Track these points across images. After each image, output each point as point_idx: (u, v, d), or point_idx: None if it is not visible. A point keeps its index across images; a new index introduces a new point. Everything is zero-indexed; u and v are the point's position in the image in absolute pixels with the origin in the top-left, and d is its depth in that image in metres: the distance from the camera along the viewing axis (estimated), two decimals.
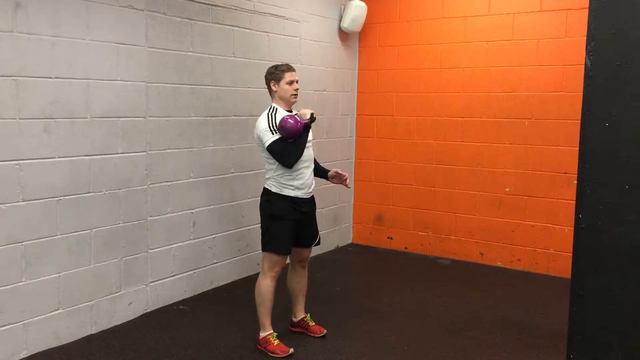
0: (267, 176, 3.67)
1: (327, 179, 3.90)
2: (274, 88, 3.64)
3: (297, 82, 3.66)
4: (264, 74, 3.72)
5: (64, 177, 3.63)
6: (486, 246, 5.66)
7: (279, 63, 3.77)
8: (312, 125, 3.76)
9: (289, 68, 3.64)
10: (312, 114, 3.59)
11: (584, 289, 2.07)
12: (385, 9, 6.02)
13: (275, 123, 3.51)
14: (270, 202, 3.61)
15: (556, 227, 5.28)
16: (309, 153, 3.67)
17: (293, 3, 5.34)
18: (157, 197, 4.24)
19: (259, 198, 3.75)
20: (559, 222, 5.26)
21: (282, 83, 3.60)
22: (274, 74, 3.63)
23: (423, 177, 5.95)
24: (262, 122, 3.55)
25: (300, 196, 3.62)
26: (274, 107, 3.62)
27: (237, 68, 4.80)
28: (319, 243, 3.90)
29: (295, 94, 3.65)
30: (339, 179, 3.87)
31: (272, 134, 3.49)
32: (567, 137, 5.10)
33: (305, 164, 3.63)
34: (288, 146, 3.51)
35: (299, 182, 3.60)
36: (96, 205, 3.83)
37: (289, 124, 3.47)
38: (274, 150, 3.50)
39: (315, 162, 3.81)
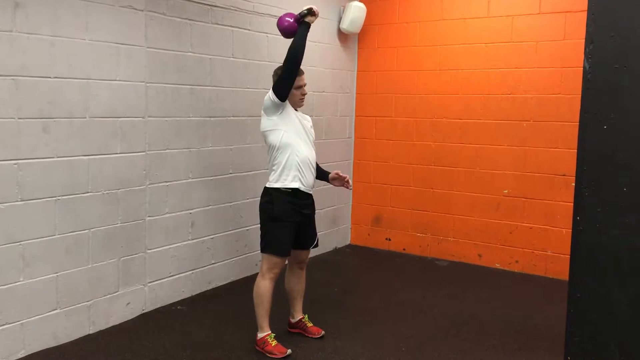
0: (272, 167, 3.64)
1: (328, 181, 3.90)
2: None
3: (305, 86, 3.67)
4: (269, 73, 3.77)
5: (62, 177, 3.63)
6: (484, 248, 5.67)
7: None
8: (312, 124, 3.77)
9: (299, 72, 3.62)
10: (309, 9, 3.52)
11: (581, 290, 2.08)
12: (385, 10, 6.03)
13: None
14: (272, 203, 3.60)
15: (554, 229, 5.29)
16: (311, 152, 3.68)
17: (292, 4, 5.32)
18: (155, 197, 4.24)
19: (259, 199, 3.75)
20: (557, 224, 5.26)
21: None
22: None
23: (422, 179, 5.96)
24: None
25: (301, 189, 3.60)
26: None
27: (236, 69, 4.81)
28: (317, 245, 3.90)
29: (302, 98, 3.67)
30: (340, 181, 3.86)
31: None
32: (566, 139, 5.10)
33: (307, 163, 3.62)
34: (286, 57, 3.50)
35: (300, 175, 3.58)
36: (94, 205, 3.83)
37: (286, 22, 3.53)
38: (276, 77, 3.55)
39: (316, 165, 3.81)
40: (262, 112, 3.63)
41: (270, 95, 3.54)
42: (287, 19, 3.59)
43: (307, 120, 3.75)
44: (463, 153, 5.70)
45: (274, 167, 3.63)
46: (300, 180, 3.59)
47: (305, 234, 3.76)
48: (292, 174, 3.58)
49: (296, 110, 3.69)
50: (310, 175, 3.66)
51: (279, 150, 3.59)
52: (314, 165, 3.72)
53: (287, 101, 3.59)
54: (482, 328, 4.15)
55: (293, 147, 3.57)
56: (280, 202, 3.58)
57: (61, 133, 3.60)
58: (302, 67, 3.65)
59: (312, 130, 3.77)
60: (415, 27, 5.87)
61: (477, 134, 5.60)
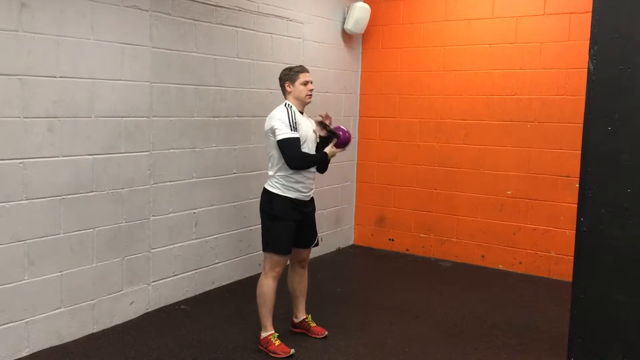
0: (270, 173, 3.67)
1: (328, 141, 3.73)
2: (288, 89, 3.66)
3: (311, 82, 3.69)
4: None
5: (67, 176, 3.64)
6: (488, 249, 5.66)
7: (293, 65, 3.81)
8: (315, 127, 3.79)
9: (303, 69, 3.68)
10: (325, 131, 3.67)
11: (585, 291, 2.07)
12: (389, 11, 6.03)
13: (295, 120, 3.52)
14: (272, 202, 3.62)
15: (558, 230, 5.28)
16: None
17: (297, 5, 5.35)
18: (159, 196, 4.25)
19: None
20: (560, 225, 5.26)
21: (297, 84, 3.63)
22: (289, 75, 3.66)
23: (425, 179, 5.96)
24: (281, 114, 3.53)
25: (300, 198, 3.64)
26: (288, 103, 3.64)
27: (240, 69, 4.82)
28: (317, 244, 3.91)
29: (309, 94, 3.67)
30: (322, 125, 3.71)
31: (290, 130, 3.49)
32: (570, 141, 5.10)
33: (308, 169, 3.65)
34: (303, 151, 3.53)
35: (301, 185, 3.62)
36: (99, 205, 3.84)
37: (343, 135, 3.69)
38: (286, 145, 3.47)
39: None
40: (271, 121, 3.57)
41: (277, 136, 3.48)
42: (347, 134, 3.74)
43: (312, 124, 3.75)
44: (467, 154, 5.70)
45: (274, 174, 3.63)
46: (299, 190, 3.62)
47: (306, 232, 3.77)
48: (292, 185, 3.60)
49: (301, 111, 3.69)
50: (310, 181, 3.68)
51: (279, 160, 3.59)
52: (314, 169, 3.72)
53: (292, 105, 3.60)
54: (485, 329, 4.15)
55: None
56: (280, 201, 3.60)
57: (66, 132, 3.61)
58: (306, 66, 3.68)
59: (315, 134, 3.75)
60: (419, 28, 5.87)
61: (481, 135, 5.60)
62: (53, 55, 3.50)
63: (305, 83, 3.64)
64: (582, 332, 2.09)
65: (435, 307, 4.57)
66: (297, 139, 3.50)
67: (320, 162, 3.66)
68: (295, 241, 3.71)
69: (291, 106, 3.61)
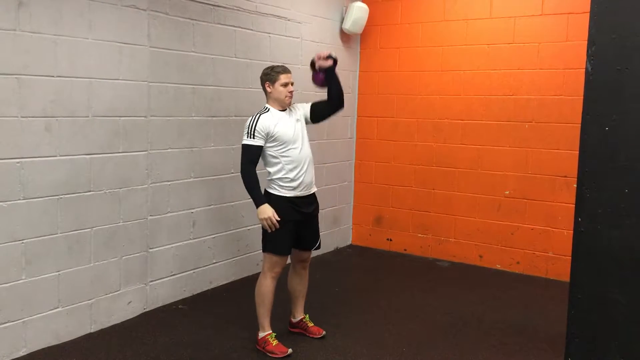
0: (267, 178, 3.67)
1: (327, 78, 3.75)
2: (268, 89, 3.63)
3: (292, 84, 3.64)
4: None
5: (64, 176, 3.64)
6: (485, 249, 5.67)
7: (275, 64, 3.77)
8: (313, 125, 3.77)
9: (285, 70, 3.63)
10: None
11: (582, 291, 2.08)
12: (387, 11, 6.03)
13: (255, 127, 3.52)
14: (270, 203, 3.61)
15: (555, 231, 5.29)
16: (305, 152, 3.66)
17: (295, 4, 5.35)
18: (157, 196, 4.25)
19: None
20: (558, 225, 5.27)
21: (277, 85, 3.59)
22: (269, 75, 3.62)
23: (423, 179, 5.96)
24: (248, 121, 3.59)
25: (298, 195, 3.62)
26: (266, 107, 3.63)
27: (238, 68, 4.81)
28: (319, 247, 3.89)
29: (289, 96, 3.63)
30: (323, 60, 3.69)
31: (247, 137, 3.54)
32: (567, 141, 5.11)
33: (303, 166, 3.61)
34: (250, 171, 3.56)
35: (297, 183, 3.60)
36: (96, 204, 3.84)
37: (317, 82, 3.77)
38: (242, 151, 3.58)
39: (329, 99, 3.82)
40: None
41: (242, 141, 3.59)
42: (319, 78, 3.78)
43: (297, 113, 3.70)
44: (464, 154, 5.70)
45: (268, 174, 3.64)
46: (293, 189, 3.60)
47: (307, 234, 3.76)
48: (284, 184, 3.59)
49: (284, 110, 3.66)
50: (307, 175, 3.64)
51: (269, 163, 3.61)
52: (310, 163, 3.68)
53: (270, 109, 3.60)
54: (482, 329, 4.16)
55: (283, 158, 3.57)
56: (278, 201, 3.59)
57: (64, 132, 3.61)
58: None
59: (303, 121, 3.71)
60: (417, 27, 5.88)
61: (479, 135, 5.61)
62: (51, 55, 3.49)
63: (286, 85, 3.59)
64: (579, 332, 2.09)
65: (433, 306, 4.57)
66: (253, 147, 3.54)
67: (252, 197, 3.58)
68: (296, 243, 3.70)
69: (268, 109, 3.60)
